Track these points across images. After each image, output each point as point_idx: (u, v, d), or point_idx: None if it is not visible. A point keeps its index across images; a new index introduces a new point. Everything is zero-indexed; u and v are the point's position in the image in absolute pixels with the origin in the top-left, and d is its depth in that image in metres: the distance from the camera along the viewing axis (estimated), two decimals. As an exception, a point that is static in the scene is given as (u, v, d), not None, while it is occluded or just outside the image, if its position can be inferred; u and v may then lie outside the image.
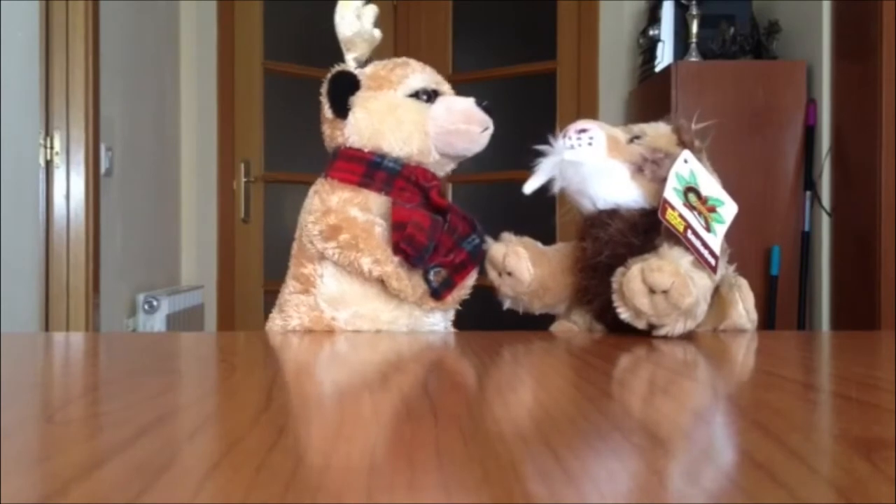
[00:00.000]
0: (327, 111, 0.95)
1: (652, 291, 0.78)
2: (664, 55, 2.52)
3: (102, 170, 2.39)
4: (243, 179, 3.12)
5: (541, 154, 0.90)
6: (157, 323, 2.61)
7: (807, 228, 2.29)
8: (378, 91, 0.94)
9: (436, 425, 0.44)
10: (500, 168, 3.06)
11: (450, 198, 3.15)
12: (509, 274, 0.93)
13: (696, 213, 0.84)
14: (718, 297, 0.88)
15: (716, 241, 0.84)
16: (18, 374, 0.62)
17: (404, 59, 0.98)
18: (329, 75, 0.96)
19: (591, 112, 2.88)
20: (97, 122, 2.32)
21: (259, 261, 3.16)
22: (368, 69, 0.96)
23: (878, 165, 2.02)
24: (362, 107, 0.93)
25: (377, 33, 0.97)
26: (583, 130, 0.89)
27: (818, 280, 2.29)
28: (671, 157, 0.87)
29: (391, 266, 0.88)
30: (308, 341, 0.84)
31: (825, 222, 2.27)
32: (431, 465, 0.36)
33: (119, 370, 0.66)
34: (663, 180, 0.85)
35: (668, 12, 2.52)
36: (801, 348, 0.87)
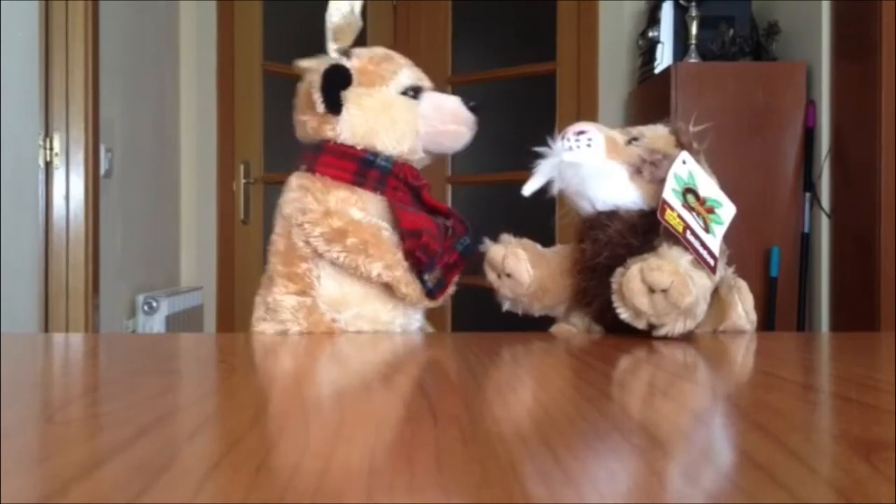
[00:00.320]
0: (319, 105, 0.93)
1: (651, 291, 0.78)
2: (664, 56, 2.52)
3: (102, 171, 2.39)
4: (243, 181, 3.12)
5: (539, 156, 0.90)
6: (157, 324, 2.61)
7: (806, 230, 2.29)
8: (371, 87, 0.93)
9: (435, 426, 0.44)
10: (500, 169, 3.06)
11: (449, 199, 3.15)
12: (508, 275, 0.93)
13: (694, 214, 0.84)
14: (718, 299, 0.88)
15: (714, 242, 0.84)
16: (18, 374, 0.62)
17: (384, 50, 0.97)
18: (322, 69, 0.93)
19: (590, 113, 2.88)
20: (97, 122, 2.32)
21: (258, 262, 3.16)
22: (355, 63, 0.94)
23: (877, 166, 2.02)
24: (356, 103, 0.92)
25: (360, 23, 0.95)
26: (581, 132, 0.89)
27: (818, 281, 2.29)
28: (669, 159, 0.87)
29: (401, 271, 0.88)
30: (307, 342, 0.84)
31: (825, 223, 2.27)
32: (431, 465, 0.36)
33: (119, 371, 0.66)
34: (662, 181, 0.85)
35: (667, 13, 2.52)
36: (801, 349, 0.87)
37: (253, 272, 3.16)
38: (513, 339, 0.84)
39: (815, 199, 2.29)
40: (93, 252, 2.31)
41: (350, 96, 0.93)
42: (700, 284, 0.80)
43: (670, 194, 0.84)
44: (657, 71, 2.50)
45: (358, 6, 0.94)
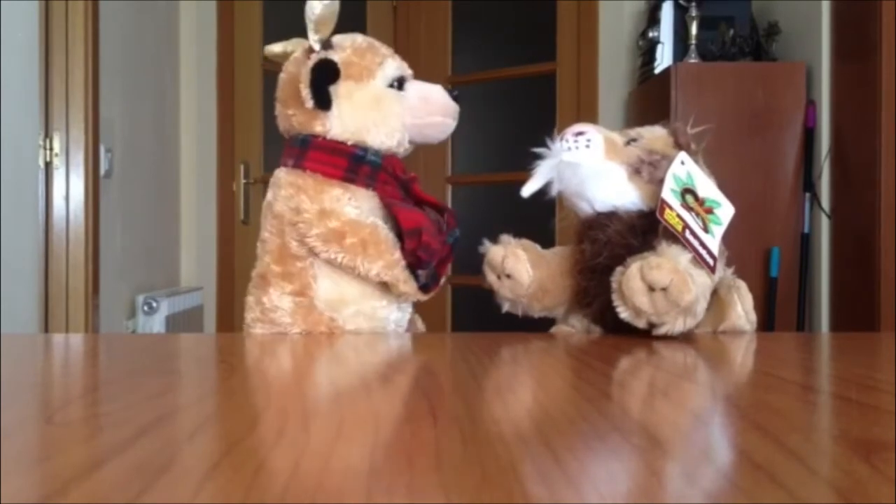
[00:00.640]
0: (308, 101, 0.90)
1: (651, 289, 0.78)
2: (664, 57, 2.52)
3: (102, 171, 2.39)
4: (243, 181, 3.12)
5: (538, 157, 0.90)
6: (157, 324, 2.61)
7: (806, 230, 2.29)
8: (359, 82, 0.91)
9: (435, 426, 0.44)
10: (500, 169, 3.06)
11: (449, 199, 3.14)
12: (508, 276, 0.93)
13: (693, 214, 0.84)
14: (717, 299, 0.88)
15: (713, 242, 0.84)
16: (18, 374, 0.62)
17: (364, 38, 0.95)
18: (311, 64, 0.91)
19: (590, 113, 2.88)
20: (97, 123, 2.32)
21: (258, 262, 3.16)
22: (340, 55, 0.92)
23: (877, 167, 2.02)
24: (347, 98, 0.91)
25: (337, 8, 0.92)
26: (580, 133, 0.89)
27: (818, 282, 2.29)
28: (668, 159, 0.87)
29: (399, 269, 0.88)
30: (307, 342, 0.84)
31: (825, 224, 2.27)
32: (431, 466, 0.36)
33: (119, 371, 0.66)
34: (660, 182, 0.85)
35: (667, 14, 2.52)
36: (801, 350, 0.87)
37: (253, 272, 3.16)
38: (512, 339, 0.84)
39: (815, 200, 2.29)
40: (93, 252, 2.31)
41: (340, 91, 0.91)
42: (700, 282, 0.80)
43: (669, 194, 0.84)
44: (657, 71, 2.50)
45: None
